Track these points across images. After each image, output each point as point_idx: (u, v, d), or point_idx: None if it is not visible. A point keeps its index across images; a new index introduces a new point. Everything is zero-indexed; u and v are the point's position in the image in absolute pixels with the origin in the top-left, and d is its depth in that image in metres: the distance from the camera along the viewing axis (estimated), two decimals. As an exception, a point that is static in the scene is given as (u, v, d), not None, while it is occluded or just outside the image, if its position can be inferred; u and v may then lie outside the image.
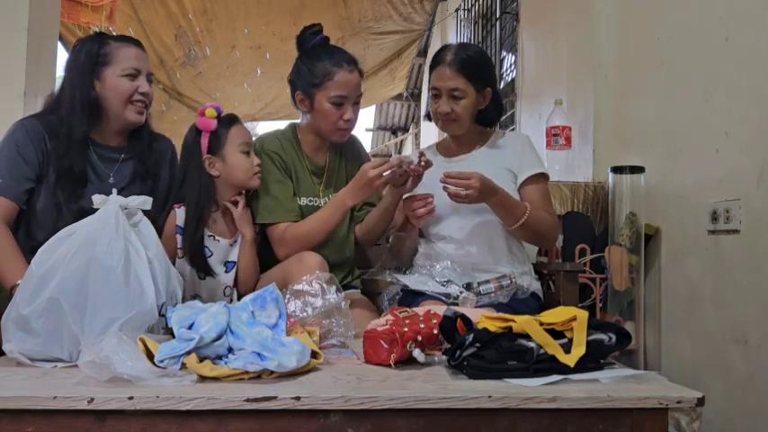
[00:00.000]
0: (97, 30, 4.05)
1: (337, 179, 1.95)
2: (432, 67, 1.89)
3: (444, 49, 1.88)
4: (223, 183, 1.75)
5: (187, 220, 1.72)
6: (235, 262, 1.77)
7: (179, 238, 1.73)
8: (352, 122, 1.87)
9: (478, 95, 1.85)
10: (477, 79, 1.83)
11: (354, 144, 2.06)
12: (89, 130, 1.68)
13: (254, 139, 1.86)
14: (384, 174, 1.72)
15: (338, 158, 1.98)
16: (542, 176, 1.89)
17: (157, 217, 1.67)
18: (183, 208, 1.73)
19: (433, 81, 1.87)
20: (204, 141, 1.72)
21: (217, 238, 1.76)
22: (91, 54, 1.68)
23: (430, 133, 5.91)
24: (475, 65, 1.83)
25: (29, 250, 1.57)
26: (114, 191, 1.37)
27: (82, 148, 1.66)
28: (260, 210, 1.81)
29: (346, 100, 1.83)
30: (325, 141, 1.94)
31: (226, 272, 1.77)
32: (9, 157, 1.62)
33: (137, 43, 1.75)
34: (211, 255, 1.75)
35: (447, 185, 1.70)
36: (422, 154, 1.76)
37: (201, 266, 1.73)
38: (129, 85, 1.68)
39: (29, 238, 1.63)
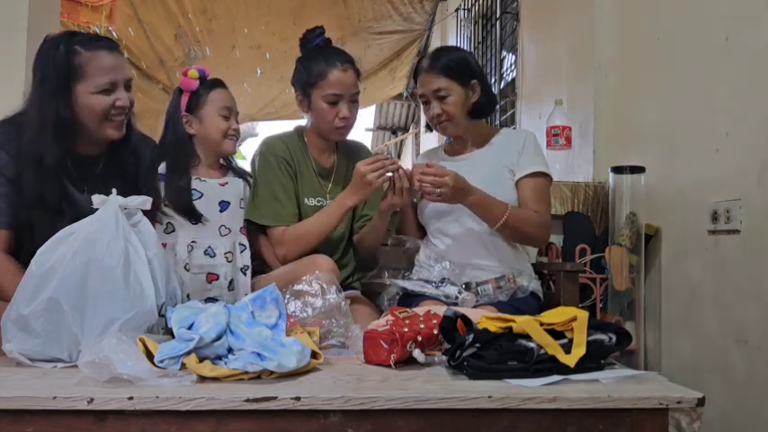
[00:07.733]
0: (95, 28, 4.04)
1: (345, 181, 1.97)
2: (415, 79, 1.94)
3: (422, 57, 1.95)
4: (199, 142, 1.81)
5: (168, 171, 1.76)
6: (228, 202, 1.81)
7: (162, 186, 1.75)
8: (349, 120, 1.89)
9: (465, 90, 1.86)
10: (458, 74, 1.84)
11: (362, 150, 2.09)
12: (62, 154, 1.50)
13: (253, 139, 1.88)
14: (377, 169, 1.73)
15: (346, 162, 2.00)
16: (540, 175, 1.85)
17: None
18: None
19: (419, 90, 1.91)
20: (184, 100, 1.78)
21: (203, 179, 1.80)
22: (59, 67, 1.48)
23: (429, 133, 5.90)
24: (451, 62, 1.85)
25: None
26: (114, 191, 1.36)
27: (56, 175, 1.49)
28: (264, 211, 1.84)
29: (341, 98, 1.85)
30: (330, 143, 1.96)
31: (220, 211, 1.80)
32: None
33: (110, 46, 1.55)
34: (201, 196, 1.77)
35: (423, 184, 1.70)
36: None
37: (188, 210, 1.74)
38: (104, 102, 1.52)
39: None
